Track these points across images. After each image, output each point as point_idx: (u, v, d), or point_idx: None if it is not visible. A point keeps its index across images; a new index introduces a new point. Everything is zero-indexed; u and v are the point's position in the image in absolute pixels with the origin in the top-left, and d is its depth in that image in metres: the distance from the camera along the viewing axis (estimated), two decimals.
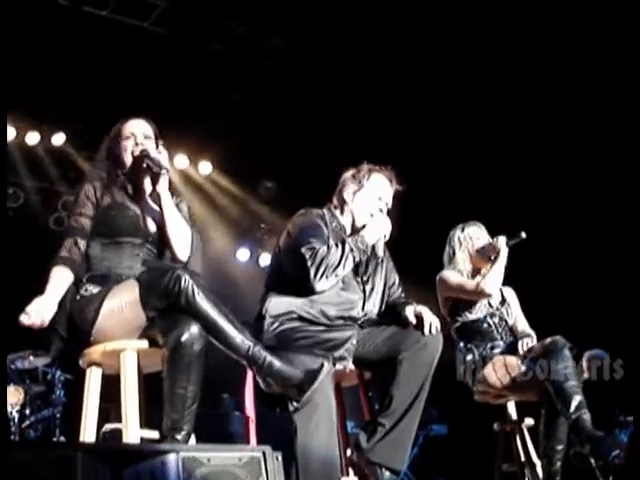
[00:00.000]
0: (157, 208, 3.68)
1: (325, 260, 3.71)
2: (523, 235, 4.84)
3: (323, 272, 3.70)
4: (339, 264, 3.74)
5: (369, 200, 4.05)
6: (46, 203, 8.97)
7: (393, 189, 4.11)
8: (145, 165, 3.62)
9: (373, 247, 3.97)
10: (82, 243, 3.48)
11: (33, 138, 8.63)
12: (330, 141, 7.68)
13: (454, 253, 5.07)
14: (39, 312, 3.23)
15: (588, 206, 7.13)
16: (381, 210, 4.04)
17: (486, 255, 4.96)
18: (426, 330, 3.77)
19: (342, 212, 4.10)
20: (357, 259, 3.83)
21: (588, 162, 7.04)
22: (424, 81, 7.63)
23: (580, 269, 7.11)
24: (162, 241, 3.65)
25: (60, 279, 3.38)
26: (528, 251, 4.98)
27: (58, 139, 8.71)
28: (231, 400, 8.63)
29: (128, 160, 3.70)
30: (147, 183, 3.71)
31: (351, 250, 3.78)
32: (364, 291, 3.99)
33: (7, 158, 3.76)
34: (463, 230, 5.10)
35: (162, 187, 3.63)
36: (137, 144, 3.70)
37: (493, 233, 5.02)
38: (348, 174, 4.16)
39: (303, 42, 7.83)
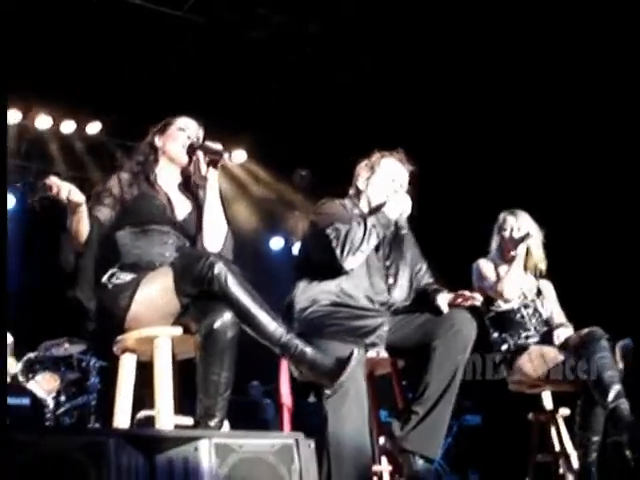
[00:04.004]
0: (186, 199, 3.76)
1: (349, 237, 3.73)
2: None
3: (349, 250, 3.72)
4: (363, 239, 3.75)
5: (383, 183, 4.08)
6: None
7: (406, 170, 4.13)
8: (202, 153, 3.67)
9: (396, 226, 4.00)
10: (94, 229, 3.45)
11: (68, 127, 8.70)
12: (365, 129, 7.64)
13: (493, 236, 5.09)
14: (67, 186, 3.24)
15: (621, 194, 7.08)
16: (396, 191, 4.05)
17: (507, 248, 4.95)
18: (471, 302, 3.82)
19: (359, 200, 4.14)
20: (380, 234, 3.85)
21: (613, 155, 7.01)
22: (460, 68, 7.60)
23: (617, 260, 7.05)
24: (192, 229, 3.68)
25: None
26: (564, 242, 4.96)
27: (93, 128, 8.77)
28: (261, 387, 8.67)
29: (174, 147, 3.77)
30: (197, 172, 3.75)
31: (373, 226, 3.80)
32: (387, 275, 4.00)
33: (6, 158, 3.77)
34: (502, 216, 5.07)
35: (214, 177, 3.68)
36: (189, 137, 3.77)
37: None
38: (361, 164, 4.21)
39: (340, 29, 7.81)
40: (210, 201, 3.68)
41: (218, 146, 3.68)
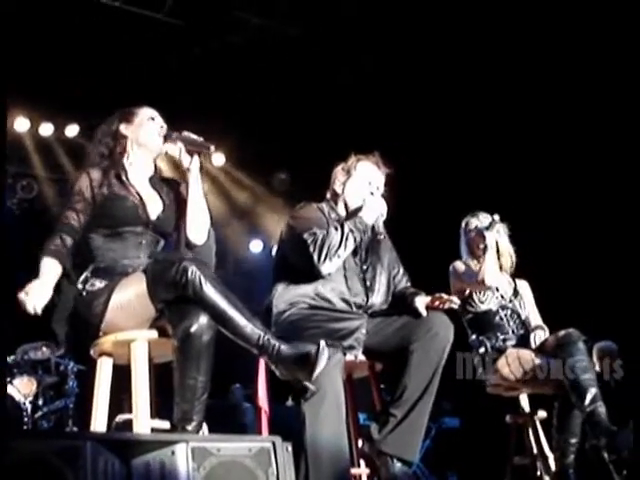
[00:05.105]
0: (157, 194, 3.69)
1: (326, 242, 3.75)
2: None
3: (326, 254, 3.75)
4: (340, 245, 3.77)
5: (359, 186, 4.10)
6: (60, 194, 8.95)
7: (382, 173, 4.15)
8: (182, 144, 3.62)
9: (373, 230, 4.00)
10: (68, 239, 3.42)
11: (47, 129, 8.67)
12: (344, 132, 7.65)
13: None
14: (31, 301, 3.20)
15: (599, 197, 7.13)
16: (372, 193, 4.07)
17: (476, 244, 4.98)
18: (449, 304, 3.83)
19: (336, 204, 4.16)
20: (357, 239, 3.87)
21: (601, 157, 7.04)
22: (441, 74, 7.62)
23: (593, 261, 7.09)
24: (166, 227, 3.66)
25: (50, 270, 3.34)
26: (541, 244, 4.98)
27: (71, 130, 8.73)
28: (242, 390, 8.65)
29: (149, 136, 3.68)
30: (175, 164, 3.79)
31: (351, 231, 3.82)
32: (365, 279, 4.01)
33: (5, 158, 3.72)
34: (465, 220, 5.11)
35: (196, 169, 3.64)
36: (162, 127, 3.70)
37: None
38: (338, 167, 4.23)
39: (318, 33, 7.81)
40: (193, 192, 3.64)
41: (199, 137, 3.66)
